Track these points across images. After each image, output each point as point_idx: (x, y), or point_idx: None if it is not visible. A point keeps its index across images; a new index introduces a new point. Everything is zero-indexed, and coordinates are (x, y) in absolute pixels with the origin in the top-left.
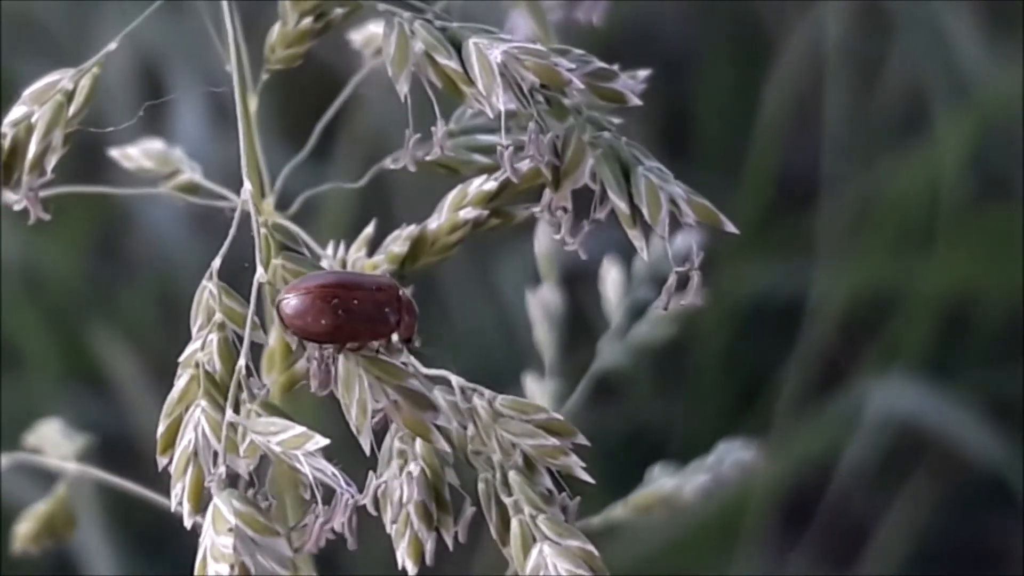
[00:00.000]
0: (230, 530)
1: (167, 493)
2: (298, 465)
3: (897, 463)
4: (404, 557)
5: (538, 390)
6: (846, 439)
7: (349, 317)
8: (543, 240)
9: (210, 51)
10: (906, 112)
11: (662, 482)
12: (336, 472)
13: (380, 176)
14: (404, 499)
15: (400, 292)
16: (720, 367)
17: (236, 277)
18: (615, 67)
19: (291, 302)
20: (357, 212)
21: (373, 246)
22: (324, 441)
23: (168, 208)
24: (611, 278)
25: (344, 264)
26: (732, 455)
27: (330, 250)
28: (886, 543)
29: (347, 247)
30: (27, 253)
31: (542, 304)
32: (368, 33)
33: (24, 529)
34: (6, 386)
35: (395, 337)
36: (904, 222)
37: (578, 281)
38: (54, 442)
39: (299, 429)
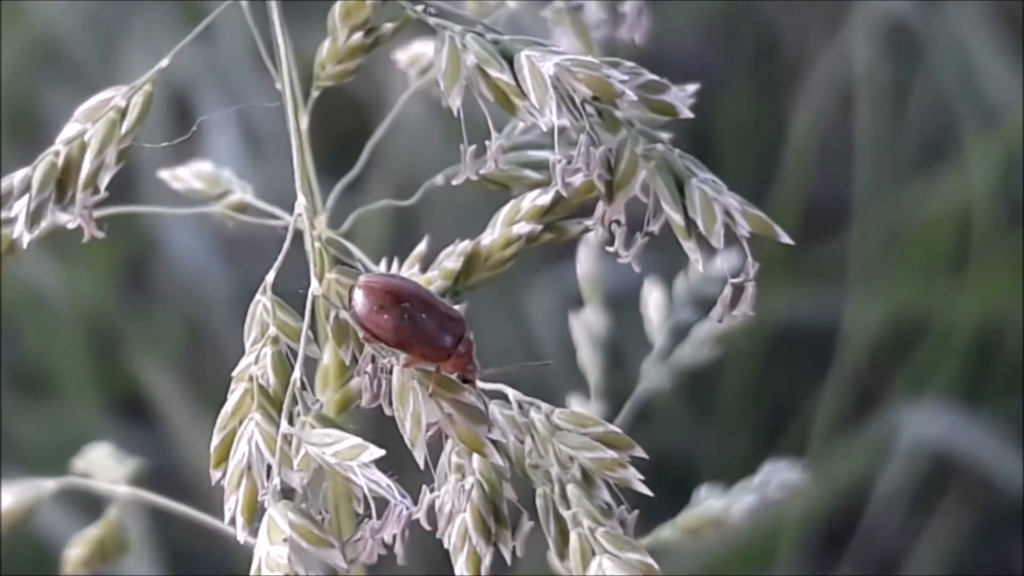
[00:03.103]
0: (285, 540)
1: (213, 514)
2: (352, 476)
3: (929, 490)
4: (463, 571)
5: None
6: (878, 466)
7: (411, 326)
8: (586, 262)
9: (242, 72)
10: (935, 137)
11: (709, 503)
12: (391, 484)
13: (409, 194)
14: (463, 513)
15: (467, 330)
16: (751, 393)
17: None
18: (665, 80)
19: (368, 288)
20: (391, 230)
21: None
22: (379, 452)
23: (196, 232)
24: (653, 300)
25: None
26: (778, 475)
27: (383, 266)
28: (918, 568)
29: (399, 263)
30: (60, 279)
31: (586, 327)
32: (413, 53)
33: (75, 553)
34: (44, 413)
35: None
36: (934, 248)
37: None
38: (104, 466)
39: (354, 440)
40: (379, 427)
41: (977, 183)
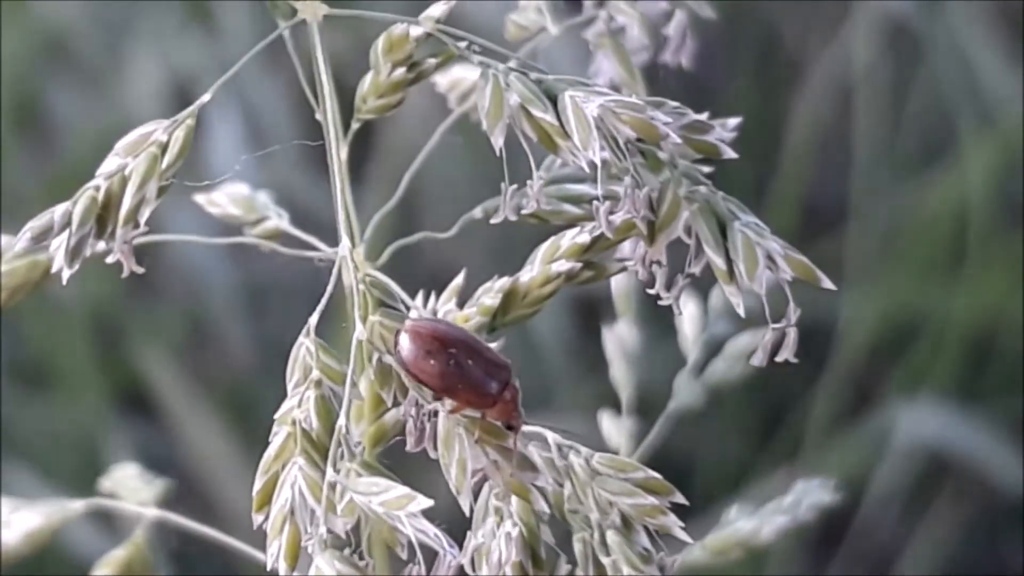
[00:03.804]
0: None
1: (224, 526)
2: (400, 526)
3: (924, 488)
4: None
5: (615, 428)
6: (874, 464)
7: (458, 372)
8: (620, 277)
9: (246, 70)
10: (933, 137)
11: (740, 524)
12: (439, 533)
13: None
14: (502, 560)
15: (512, 377)
16: (747, 390)
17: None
18: (706, 117)
19: (414, 333)
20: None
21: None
22: (428, 502)
23: (197, 226)
24: (688, 313)
25: (435, 314)
26: (810, 496)
27: (419, 300)
28: (913, 567)
29: (436, 297)
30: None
31: (619, 341)
32: (453, 78)
33: (101, 574)
34: (48, 406)
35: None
36: (931, 247)
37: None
38: (130, 487)
39: (402, 490)
40: (406, 469)
41: (975, 183)
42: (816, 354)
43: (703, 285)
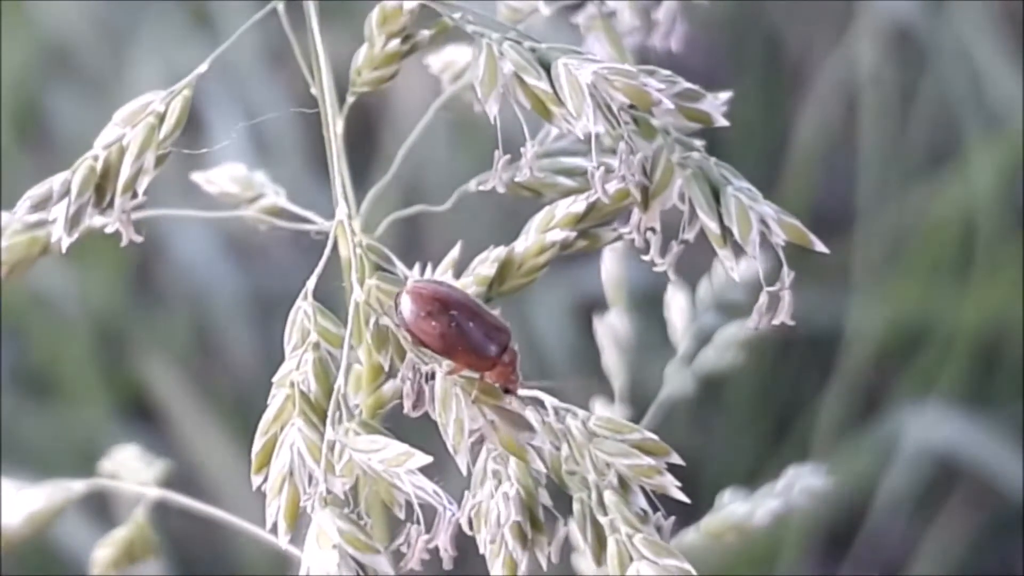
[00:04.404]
0: (334, 547)
1: (229, 533)
2: (399, 483)
3: (932, 493)
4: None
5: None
6: (882, 469)
7: (458, 333)
8: (610, 266)
9: (248, 72)
10: (939, 141)
11: (733, 508)
12: (437, 490)
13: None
14: (500, 520)
15: (512, 340)
16: (756, 395)
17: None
18: (700, 88)
19: (416, 294)
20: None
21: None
22: (426, 459)
23: (202, 235)
24: (677, 304)
25: None
26: (802, 480)
27: (416, 271)
28: (921, 571)
29: (432, 268)
30: (68, 281)
31: (611, 330)
32: (446, 59)
33: (103, 554)
34: (52, 415)
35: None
36: (938, 252)
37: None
38: (131, 468)
39: (401, 447)
40: (404, 433)
41: (981, 187)
42: (824, 359)
43: (691, 278)
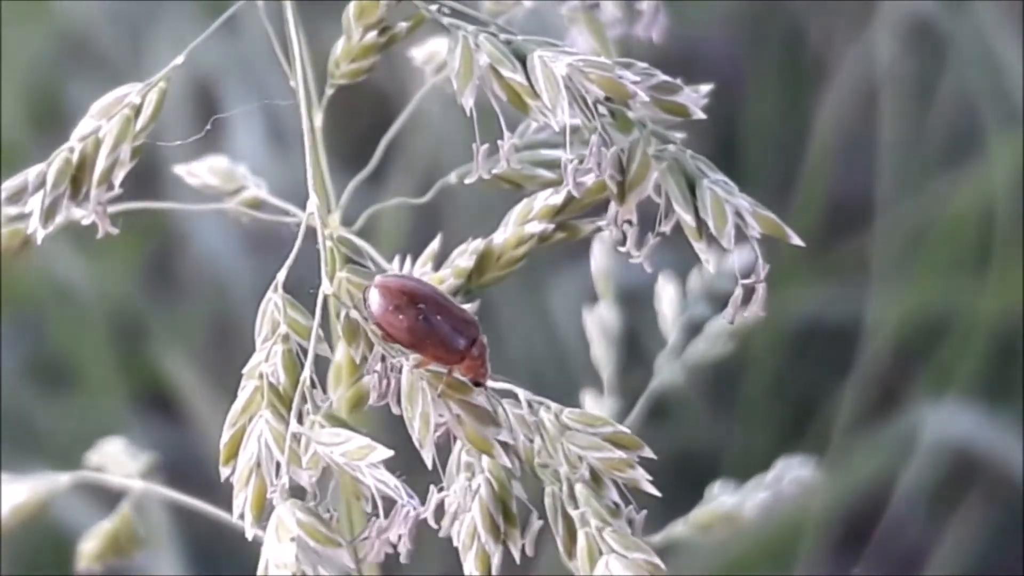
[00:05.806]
0: (292, 539)
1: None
2: (360, 476)
3: (951, 488)
4: (472, 570)
5: (596, 408)
6: (900, 463)
7: (426, 327)
8: (600, 258)
9: (265, 68)
10: (958, 135)
11: (722, 499)
12: (398, 484)
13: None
14: (472, 512)
15: (480, 333)
16: (772, 390)
17: (294, 294)
18: (678, 80)
19: (383, 287)
20: (410, 228)
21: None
22: (387, 453)
23: (221, 227)
24: (667, 296)
25: None
26: (791, 472)
27: (395, 264)
28: (940, 566)
29: (412, 261)
30: (85, 272)
31: (599, 322)
32: (429, 50)
33: (89, 547)
34: (69, 406)
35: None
36: (957, 245)
37: (626, 301)
38: (118, 460)
39: (363, 440)
40: (395, 427)
41: (1001, 181)
42: (843, 353)
43: (682, 270)
